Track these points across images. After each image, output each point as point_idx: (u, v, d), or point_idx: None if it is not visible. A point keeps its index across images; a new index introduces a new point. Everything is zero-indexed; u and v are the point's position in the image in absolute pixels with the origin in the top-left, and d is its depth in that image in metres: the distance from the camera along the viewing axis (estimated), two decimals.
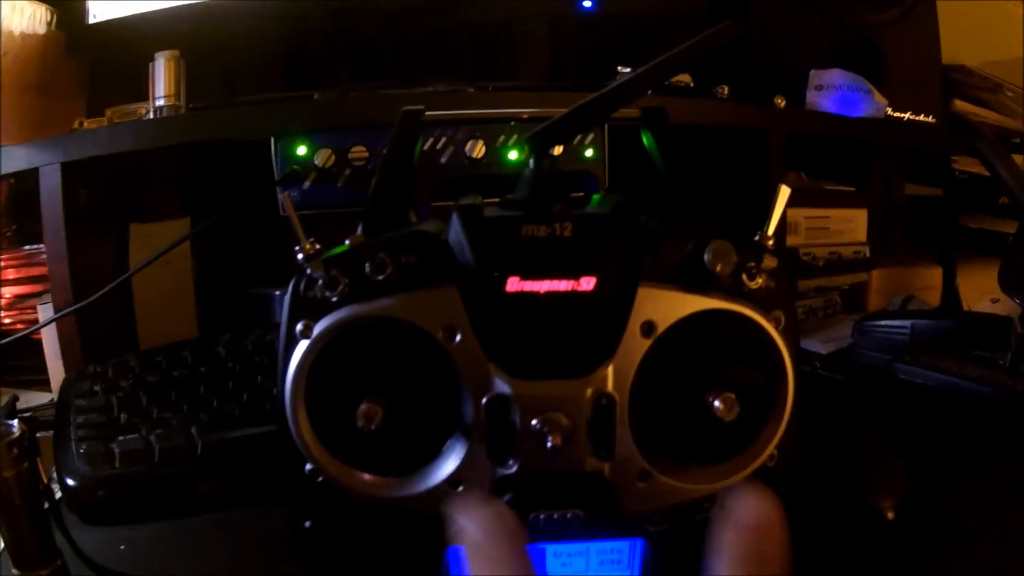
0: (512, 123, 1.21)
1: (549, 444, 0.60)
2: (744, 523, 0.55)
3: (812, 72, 1.62)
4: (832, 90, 1.62)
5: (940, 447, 1.04)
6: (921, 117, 1.75)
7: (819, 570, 0.79)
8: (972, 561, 0.83)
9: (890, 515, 0.83)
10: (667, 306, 0.62)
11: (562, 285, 0.60)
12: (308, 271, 0.62)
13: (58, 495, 0.86)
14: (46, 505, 0.77)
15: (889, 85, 1.67)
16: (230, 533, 0.92)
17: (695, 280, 0.63)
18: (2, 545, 0.76)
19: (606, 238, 0.62)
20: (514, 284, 0.60)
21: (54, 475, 0.91)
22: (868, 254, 1.76)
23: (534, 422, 0.61)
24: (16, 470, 0.72)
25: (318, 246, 0.63)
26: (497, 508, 0.56)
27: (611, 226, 0.63)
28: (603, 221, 0.63)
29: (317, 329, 0.61)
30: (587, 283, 0.60)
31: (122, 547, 0.89)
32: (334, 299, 0.62)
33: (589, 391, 0.61)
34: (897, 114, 1.71)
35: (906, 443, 0.94)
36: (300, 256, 0.62)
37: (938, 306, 1.78)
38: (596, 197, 0.70)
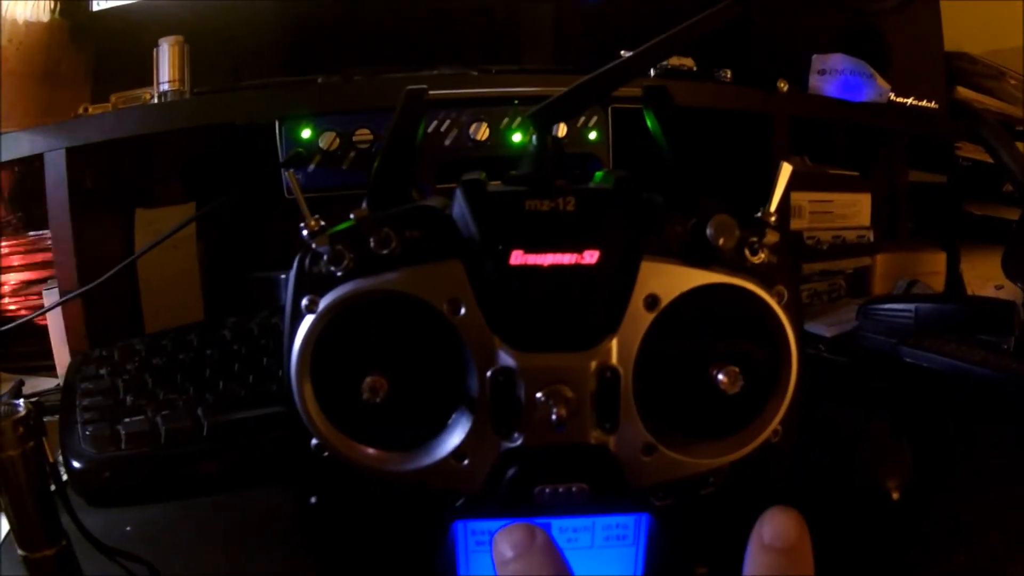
0: (516, 102, 1.21)
1: (554, 416, 0.60)
2: (777, 546, 0.55)
3: (815, 57, 1.62)
4: (835, 75, 1.62)
5: (944, 430, 1.05)
6: (924, 103, 1.75)
7: (823, 551, 0.80)
8: (976, 543, 0.83)
9: (895, 496, 0.83)
10: (670, 280, 0.62)
11: (565, 258, 0.61)
12: (313, 246, 0.62)
13: (64, 477, 0.86)
14: (52, 487, 0.77)
15: (892, 71, 1.67)
16: (236, 513, 0.92)
17: (698, 254, 0.63)
18: (8, 527, 0.77)
19: (609, 212, 0.62)
20: (518, 257, 0.60)
21: (60, 458, 0.91)
22: (872, 238, 1.76)
23: (539, 395, 0.61)
24: (21, 449, 0.72)
25: (323, 223, 0.63)
26: (545, 544, 0.57)
27: (614, 200, 0.63)
28: (606, 195, 0.63)
29: (323, 303, 0.61)
30: (590, 256, 0.61)
31: (128, 528, 0.89)
32: (339, 274, 0.62)
33: (593, 364, 0.61)
34: (900, 99, 1.71)
35: (910, 426, 0.94)
36: (305, 232, 0.63)
37: (944, 291, 1.78)
38: (599, 174, 0.70)
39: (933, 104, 1.76)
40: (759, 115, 1.48)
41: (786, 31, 1.66)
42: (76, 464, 0.89)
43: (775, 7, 1.64)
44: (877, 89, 1.63)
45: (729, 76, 1.44)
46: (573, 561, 0.68)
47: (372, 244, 0.62)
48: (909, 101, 1.73)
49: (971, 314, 1.31)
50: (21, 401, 0.74)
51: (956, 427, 1.07)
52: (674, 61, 1.39)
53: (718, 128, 1.42)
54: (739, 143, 1.48)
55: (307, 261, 0.63)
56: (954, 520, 0.86)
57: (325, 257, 0.62)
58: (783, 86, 1.49)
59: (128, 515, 0.92)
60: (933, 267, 1.85)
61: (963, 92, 1.89)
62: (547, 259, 0.60)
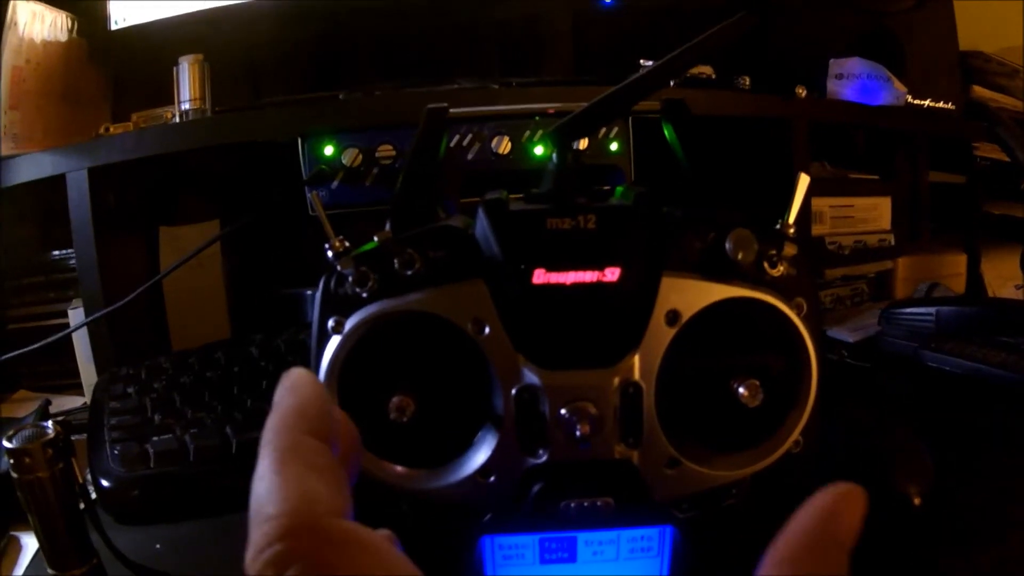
0: (537, 118, 1.22)
1: (578, 433, 0.60)
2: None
3: (832, 61, 1.63)
4: (852, 78, 1.62)
5: (966, 434, 1.05)
6: (941, 104, 1.75)
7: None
8: (999, 546, 0.83)
9: (917, 501, 0.83)
10: (691, 295, 0.63)
11: (587, 276, 0.61)
12: (338, 268, 0.63)
13: (93, 496, 0.87)
14: (82, 506, 0.77)
15: (908, 73, 1.67)
16: None
17: (717, 269, 0.64)
18: (37, 546, 0.77)
19: (629, 229, 0.63)
20: (540, 276, 0.61)
21: (89, 477, 0.92)
22: (893, 242, 1.76)
23: (563, 411, 0.61)
24: (51, 471, 0.73)
25: (347, 243, 0.63)
26: None
27: (634, 217, 0.63)
28: (626, 212, 0.64)
29: (348, 325, 0.62)
30: (612, 273, 0.61)
31: (158, 546, 0.89)
32: (364, 295, 0.62)
33: (616, 380, 0.62)
34: (917, 101, 1.71)
35: (933, 429, 0.94)
36: (330, 254, 0.63)
37: (963, 293, 1.77)
38: (620, 189, 0.70)
39: (950, 105, 1.77)
40: (778, 121, 1.48)
41: (802, 36, 1.67)
42: (105, 483, 0.90)
43: (790, 13, 1.64)
44: (894, 92, 1.63)
45: (748, 83, 1.44)
46: (600, 573, 0.69)
47: (396, 265, 0.62)
48: (926, 103, 1.73)
49: (992, 316, 1.31)
50: (50, 423, 0.74)
51: (978, 430, 1.06)
52: (693, 69, 1.39)
53: (737, 135, 1.42)
54: (758, 150, 1.48)
55: (332, 283, 0.63)
56: (977, 523, 0.86)
57: (350, 279, 0.62)
58: (801, 92, 1.49)
59: (157, 533, 0.92)
60: (954, 269, 1.85)
61: (979, 91, 1.89)
62: (569, 277, 0.61)
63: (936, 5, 1.77)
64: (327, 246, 0.63)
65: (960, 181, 2.00)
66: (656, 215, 0.65)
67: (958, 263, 1.86)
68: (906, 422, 0.97)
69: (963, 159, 1.97)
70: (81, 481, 0.78)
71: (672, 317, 0.62)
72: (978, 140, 1.89)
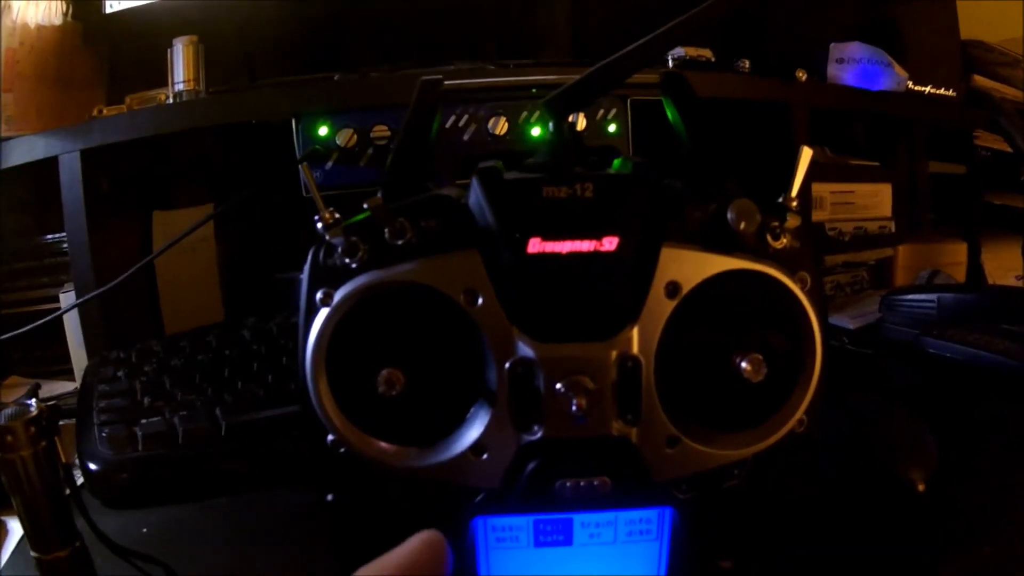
0: (534, 90, 1.21)
1: (574, 407, 0.59)
2: None
3: (832, 45, 1.62)
4: (853, 63, 1.61)
5: (967, 420, 1.05)
6: (941, 91, 1.74)
7: (847, 543, 0.78)
8: (1002, 534, 0.82)
9: (921, 487, 0.82)
10: (691, 266, 0.61)
11: (584, 245, 0.59)
12: (327, 238, 0.61)
13: (80, 479, 0.86)
14: (67, 491, 0.76)
15: (908, 59, 1.67)
16: (255, 515, 0.91)
17: (719, 240, 0.62)
18: (22, 532, 0.76)
19: (628, 198, 0.61)
20: (535, 245, 0.59)
21: (76, 461, 0.90)
22: (894, 229, 1.75)
23: (558, 386, 0.60)
24: (33, 449, 0.71)
25: (337, 215, 0.62)
26: None
27: (632, 186, 0.62)
28: (624, 181, 0.62)
29: (337, 296, 0.61)
30: (609, 243, 0.60)
31: (145, 530, 0.88)
32: (354, 266, 0.61)
33: (614, 353, 0.60)
34: (918, 88, 1.70)
35: (934, 416, 0.93)
36: (319, 225, 0.62)
37: (965, 281, 1.77)
38: (617, 161, 0.69)
39: (951, 92, 1.76)
40: (778, 105, 1.47)
41: (803, 21, 1.66)
42: (92, 466, 0.89)
43: None
44: (895, 77, 1.62)
45: (747, 66, 1.43)
46: (596, 557, 0.67)
47: (387, 235, 0.61)
48: (927, 89, 1.72)
49: (994, 304, 1.30)
50: (33, 401, 0.73)
51: (980, 417, 1.06)
52: (692, 52, 1.38)
53: (736, 120, 1.41)
54: (758, 134, 1.46)
55: (321, 254, 0.62)
56: (979, 511, 0.85)
57: (339, 249, 0.61)
58: (802, 75, 1.48)
59: (145, 517, 0.91)
60: (955, 257, 1.85)
61: (980, 80, 1.88)
62: (565, 246, 0.59)
63: None
64: (317, 218, 0.62)
65: (960, 171, 1.99)
66: (655, 184, 0.63)
67: (958, 252, 1.85)
68: (908, 408, 0.96)
69: (964, 149, 1.96)
70: (67, 462, 0.76)
71: (672, 289, 0.61)
72: (979, 129, 1.88)
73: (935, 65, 1.76)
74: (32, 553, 0.74)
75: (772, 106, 1.48)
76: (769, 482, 0.67)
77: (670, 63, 1.34)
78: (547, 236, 0.60)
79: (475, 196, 0.62)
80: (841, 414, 0.90)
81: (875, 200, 1.74)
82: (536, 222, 0.60)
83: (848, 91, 1.60)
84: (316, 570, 0.80)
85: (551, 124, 0.68)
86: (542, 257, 0.60)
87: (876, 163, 1.81)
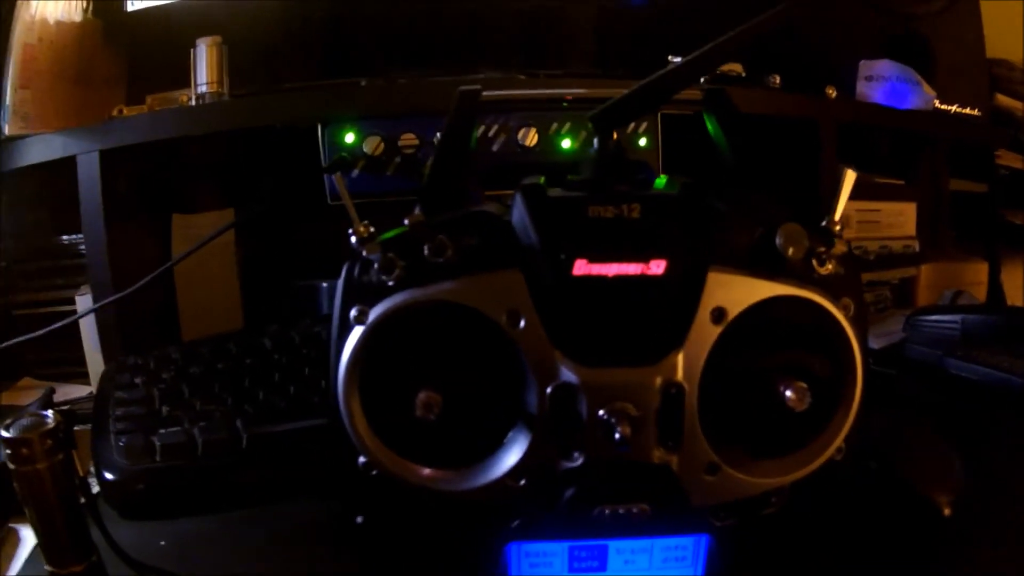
0: (565, 104, 1.20)
1: (617, 435, 0.57)
2: None
3: (862, 63, 1.61)
4: (882, 81, 1.60)
5: (991, 442, 1.04)
6: (967, 110, 1.73)
7: (872, 562, 0.77)
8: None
9: (947, 511, 0.81)
10: (738, 292, 0.60)
11: (631, 268, 0.58)
12: (364, 254, 0.59)
13: (95, 490, 0.84)
14: (83, 500, 0.74)
15: (935, 77, 1.66)
16: (274, 528, 0.90)
17: (765, 265, 0.61)
18: (35, 541, 0.74)
19: (675, 220, 0.60)
20: (581, 267, 0.58)
21: (92, 470, 0.89)
22: (917, 248, 1.74)
23: (601, 412, 0.58)
24: (50, 462, 0.69)
25: (372, 229, 0.60)
26: None
27: (680, 207, 0.61)
28: (672, 202, 0.62)
29: (373, 315, 0.59)
30: (657, 267, 0.58)
31: (162, 543, 0.86)
32: (390, 283, 0.59)
33: (658, 380, 0.59)
34: (944, 106, 1.69)
35: (957, 438, 0.92)
36: (354, 239, 0.60)
37: (986, 301, 1.76)
38: (661, 180, 0.67)
39: (976, 111, 1.75)
40: (805, 121, 1.46)
41: (831, 37, 1.65)
42: (109, 475, 0.88)
43: (821, 12, 1.62)
44: (923, 96, 1.61)
45: (778, 82, 1.41)
46: None
47: (426, 252, 0.59)
48: (953, 108, 1.71)
49: (1018, 325, 1.29)
50: (50, 412, 0.71)
51: (1003, 439, 1.05)
52: (723, 67, 1.37)
53: (765, 135, 1.40)
54: (785, 151, 1.45)
55: (356, 270, 0.60)
56: (1002, 533, 0.83)
57: (376, 265, 0.59)
58: (831, 92, 1.47)
59: (162, 529, 0.89)
60: (976, 277, 1.84)
61: (1002, 99, 1.87)
62: (612, 269, 0.58)
63: (964, 9, 1.75)
64: (351, 231, 0.60)
65: (978, 189, 1.98)
66: (703, 206, 0.62)
67: (979, 271, 1.84)
68: (934, 428, 0.95)
69: (984, 167, 1.94)
70: (83, 474, 0.74)
71: (718, 315, 0.59)
72: (1004, 147, 1.86)
73: (962, 83, 1.75)
74: (46, 567, 0.73)
75: (800, 122, 1.46)
76: (806, 509, 0.66)
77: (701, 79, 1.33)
78: (594, 258, 0.58)
79: (518, 213, 0.60)
80: (866, 434, 0.89)
81: (900, 219, 1.73)
82: (582, 243, 0.59)
83: (878, 109, 1.59)
84: None
85: (596, 140, 0.66)
86: (588, 280, 0.58)
87: (901, 181, 1.80)
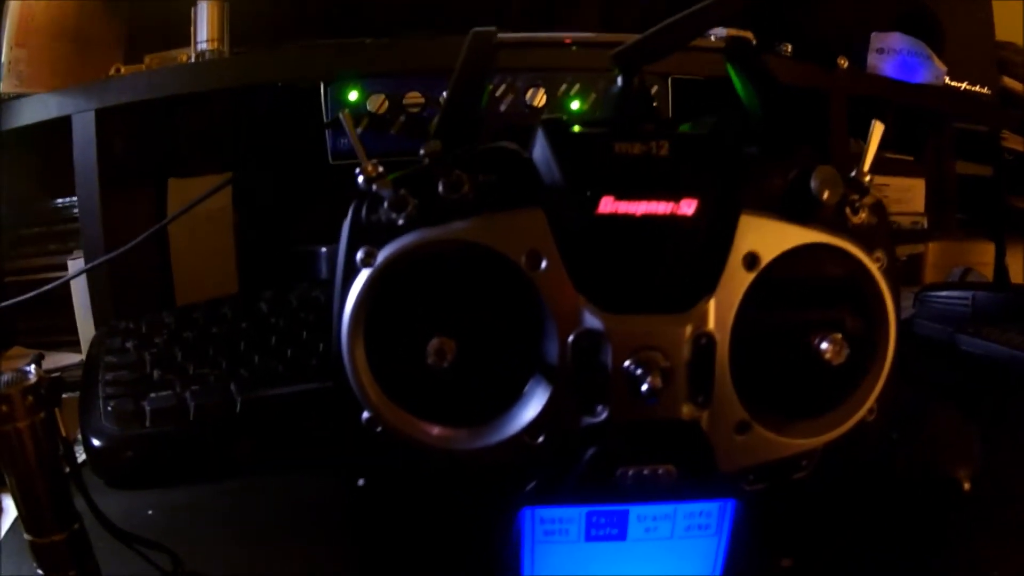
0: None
1: (646, 387, 0.54)
2: None
3: (873, 35, 1.59)
4: (893, 54, 1.58)
5: (1002, 419, 1.03)
6: (977, 88, 1.72)
7: (891, 541, 0.76)
8: None
9: (967, 486, 0.79)
10: (771, 237, 0.57)
11: (661, 207, 0.55)
12: (373, 189, 0.56)
13: (82, 457, 0.83)
14: (67, 469, 0.71)
15: (946, 54, 1.64)
16: (270, 498, 0.87)
17: (798, 210, 0.58)
18: (16, 513, 0.71)
19: (706, 159, 0.58)
20: (608, 205, 0.55)
21: (79, 437, 0.88)
22: (926, 225, 1.72)
23: (627, 363, 0.55)
24: (30, 420, 0.66)
25: (380, 168, 0.57)
26: None
27: (711, 146, 0.59)
28: (702, 140, 0.59)
29: (381, 256, 0.56)
30: (688, 206, 0.55)
31: (150, 512, 0.83)
32: (401, 222, 0.56)
33: (689, 328, 0.56)
34: (954, 83, 1.67)
35: (968, 414, 0.91)
36: (361, 178, 0.57)
37: (994, 280, 1.75)
38: (685, 125, 0.64)
39: (986, 90, 1.73)
40: (815, 92, 1.44)
41: (844, 9, 1.63)
42: (96, 442, 0.86)
43: None
44: (934, 70, 1.60)
45: (789, 50, 1.39)
46: (650, 553, 0.64)
47: (441, 188, 0.56)
48: (963, 85, 1.69)
49: None
50: (32, 367, 0.68)
51: (1015, 416, 1.05)
52: (734, 33, 1.35)
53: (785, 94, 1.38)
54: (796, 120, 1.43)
55: (364, 208, 0.57)
56: (1017, 512, 0.82)
57: (385, 203, 0.56)
58: (843, 63, 1.44)
59: (151, 498, 0.86)
60: (982, 257, 1.85)
61: (1008, 82, 1.85)
62: (640, 207, 0.55)
63: None
64: (358, 171, 0.57)
65: (984, 172, 1.97)
66: (734, 146, 0.59)
67: (986, 252, 1.85)
68: (951, 404, 0.94)
69: (990, 149, 1.94)
70: (66, 437, 0.71)
71: (750, 260, 0.57)
72: (1012, 127, 1.86)
73: (971, 62, 1.74)
74: (26, 536, 0.69)
75: (811, 92, 1.44)
76: (836, 474, 0.63)
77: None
78: (621, 195, 0.55)
79: (540, 149, 0.57)
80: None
81: (908, 195, 1.72)
82: (609, 179, 0.56)
83: (888, 82, 1.57)
84: (335, 561, 0.75)
85: (619, 79, 0.63)
86: (614, 218, 0.55)
87: (910, 157, 1.78)
